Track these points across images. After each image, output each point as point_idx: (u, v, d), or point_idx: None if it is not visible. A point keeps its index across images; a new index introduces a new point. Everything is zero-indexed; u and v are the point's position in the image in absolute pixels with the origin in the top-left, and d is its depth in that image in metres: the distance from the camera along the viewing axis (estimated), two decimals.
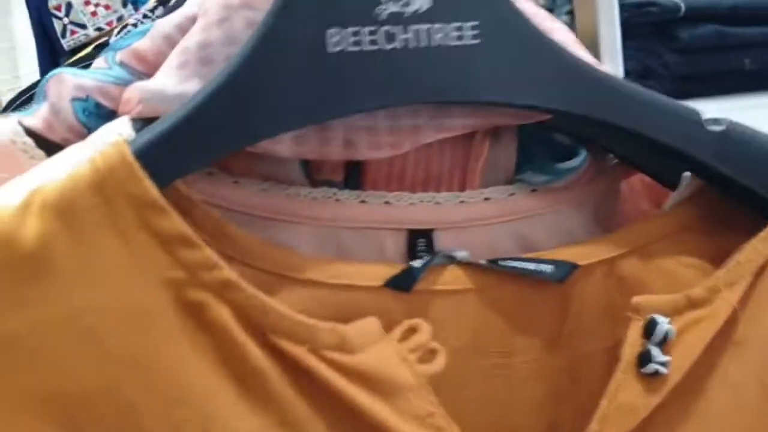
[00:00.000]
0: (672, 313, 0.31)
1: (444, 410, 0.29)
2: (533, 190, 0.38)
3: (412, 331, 0.31)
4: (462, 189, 0.38)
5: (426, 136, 0.34)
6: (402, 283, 0.32)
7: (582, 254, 0.34)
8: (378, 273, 0.32)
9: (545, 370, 0.34)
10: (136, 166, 0.27)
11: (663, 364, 0.30)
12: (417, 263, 0.32)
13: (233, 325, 0.27)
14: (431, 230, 0.36)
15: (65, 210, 0.27)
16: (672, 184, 0.38)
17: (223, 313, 0.27)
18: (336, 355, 0.28)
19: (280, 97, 0.30)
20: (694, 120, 0.35)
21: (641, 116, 0.34)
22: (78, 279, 0.27)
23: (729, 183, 0.35)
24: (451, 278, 0.33)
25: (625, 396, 0.30)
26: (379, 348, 0.29)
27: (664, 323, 0.31)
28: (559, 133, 0.40)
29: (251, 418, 0.28)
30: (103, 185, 0.27)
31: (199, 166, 0.31)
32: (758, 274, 0.32)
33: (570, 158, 0.39)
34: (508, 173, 0.39)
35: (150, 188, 0.27)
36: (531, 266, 0.33)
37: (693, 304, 0.32)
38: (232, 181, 0.34)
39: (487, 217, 0.37)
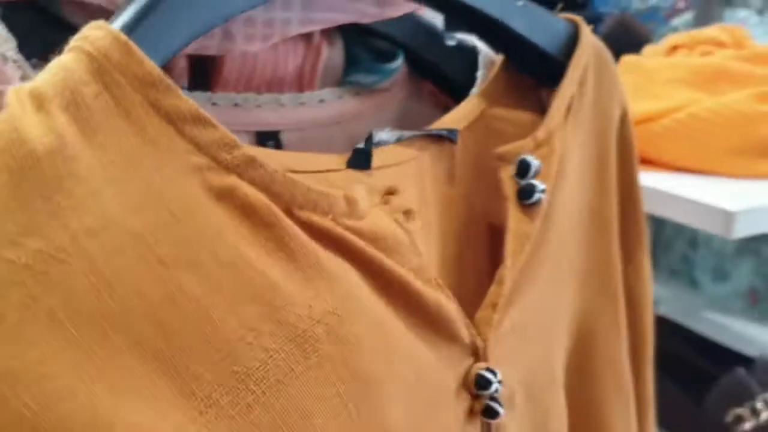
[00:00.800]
0: (531, 151, 0.36)
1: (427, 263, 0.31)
2: (357, 93, 0.41)
3: (390, 194, 0.32)
4: (301, 90, 0.39)
5: (293, 29, 0.35)
6: (361, 162, 0.32)
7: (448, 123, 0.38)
8: (330, 160, 0.32)
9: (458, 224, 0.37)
10: (132, 44, 0.24)
11: (542, 191, 0.35)
12: (360, 146, 0.32)
13: (269, 205, 0.25)
14: (278, 132, 0.38)
15: (69, 101, 0.22)
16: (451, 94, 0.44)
17: (255, 194, 0.25)
18: (351, 222, 0.28)
19: None
20: None
21: None
22: (104, 179, 0.23)
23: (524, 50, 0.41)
24: (391, 155, 0.34)
25: (520, 226, 0.34)
26: (375, 212, 0.30)
27: (533, 159, 0.35)
28: (377, 37, 0.43)
29: (307, 296, 0.26)
30: (101, 70, 0.23)
31: (179, 47, 0.27)
32: (566, 115, 0.38)
33: (390, 60, 0.43)
34: (337, 75, 0.41)
35: (152, 66, 0.24)
36: (436, 132, 0.36)
37: (539, 144, 0.36)
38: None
39: (323, 118, 0.39)
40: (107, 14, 0.27)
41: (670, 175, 0.70)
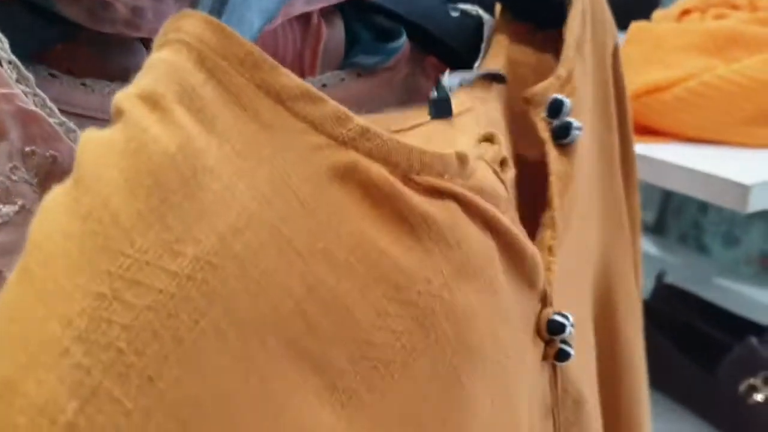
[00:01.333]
0: (559, 90, 0.35)
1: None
2: (359, 75, 0.40)
3: (489, 141, 0.31)
4: (302, 75, 0.38)
5: (296, 9, 0.34)
6: (443, 111, 0.31)
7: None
8: (411, 115, 0.31)
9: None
10: (227, 27, 0.22)
11: (579, 128, 0.35)
12: (434, 95, 0.32)
13: (387, 177, 0.25)
14: None
15: (181, 94, 0.21)
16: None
17: (376, 168, 0.24)
18: (464, 180, 0.27)
19: None
20: None
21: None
22: (234, 171, 0.21)
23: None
24: (458, 102, 0.33)
25: (559, 167, 0.34)
26: (480, 167, 0.29)
27: (564, 98, 0.34)
28: (378, 13, 0.41)
29: (427, 270, 0.25)
30: (202, 57, 0.21)
31: (259, 27, 0.26)
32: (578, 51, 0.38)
33: (392, 39, 0.41)
34: (339, 57, 0.39)
35: (252, 46, 0.22)
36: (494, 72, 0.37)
37: (563, 82, 0.36)
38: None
39: None
40: (105, 6, 0.25)
41: (682, 147, 0.68)
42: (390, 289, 0.24)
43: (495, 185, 0.29)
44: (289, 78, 0.23)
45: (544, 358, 0.33)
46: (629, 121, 0.44)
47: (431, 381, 0.26)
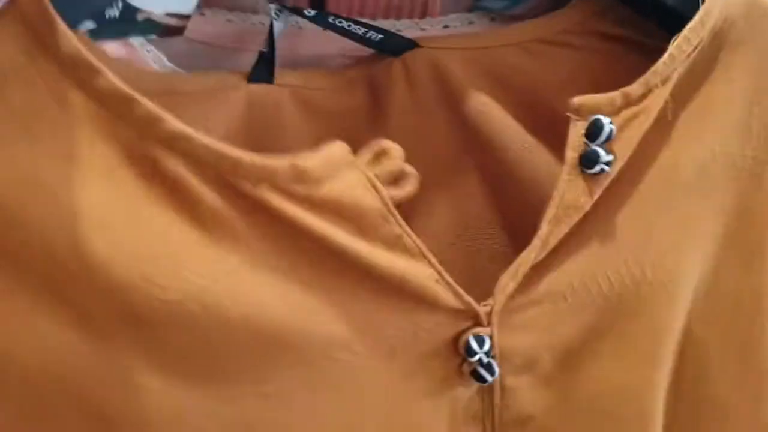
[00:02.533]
0: (612, 112, 0.32)
1: (411, 230, 0.30)
2: (492, 19, 0.38)
3: (383, 153, 0.30)
4: (423, 16, 0.37)
5: None
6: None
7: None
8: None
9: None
10: (58, 20, 0.26)
11: (607, 163, 0.31)
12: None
13: (187, 175, 0.27)
14: None
15: None
16: None
17: (175, 164, 0.27)
18: (298, 188, 0.28)
19: None
20: None
21: None
22: (20, 128, 0.26)
23: None
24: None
25: (571, 196, 0.31)
26: (346, 175, 0.29)
27: (607, 124, 0.31)
28: None
29: (217, 262, 0.27)
30: (27, 40, 0.26)
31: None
32: (691, 68, 0.34)
33: None
34: (467, 0, 0.38)
35: (78, 47, 0.26)
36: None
37: (630, 101, 0.32)
38: (198, 13, 0.33)
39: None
40: None
41: None
42: (168, 268, 0.27)
43: (360, 198, 0.29)
44: (107, 81, 0.26)
45: (461, 373, 0.32)
46: None
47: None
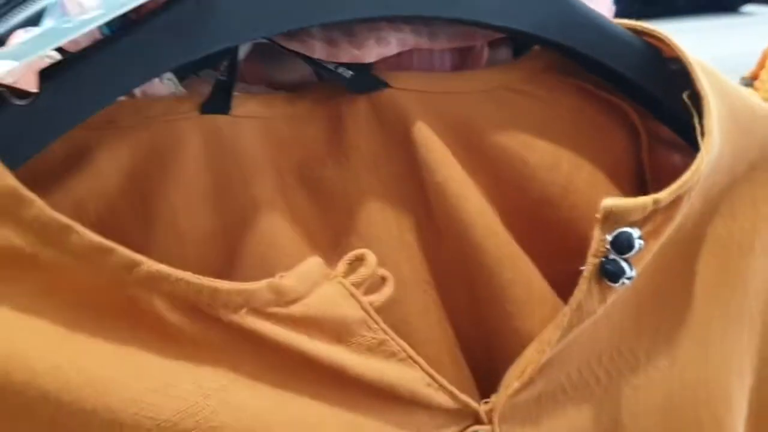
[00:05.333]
0: (641, 221, 0.31)
1: (394, 333, 0.30)
2: None
3: (359, 261, 0.31)
4: None
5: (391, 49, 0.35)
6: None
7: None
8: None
9: None
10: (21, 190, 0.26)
11: (630, 279, 0.31)
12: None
13: (165, 310, 0.27)
14: None
15: None
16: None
17: (153, 301, 0.27)
18: (277, 310, 0.28)
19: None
20: None
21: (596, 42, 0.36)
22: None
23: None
24: None
25: (586, 303, 0.31)
26: (324, 289, 0.30)
27: (635, 237, 0.31)
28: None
29: (206, 380, 0.28)
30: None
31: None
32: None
33: None
34: None
35: (41, 212, 0.26)
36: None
37: (658, 210, 0.32)
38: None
39: None
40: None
41: None
42: (158, 388, 0.27)
43: (342, 308, 0.30)
44: (79, 236, 0.26)
45: None
46: None
47: None
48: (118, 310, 0.27)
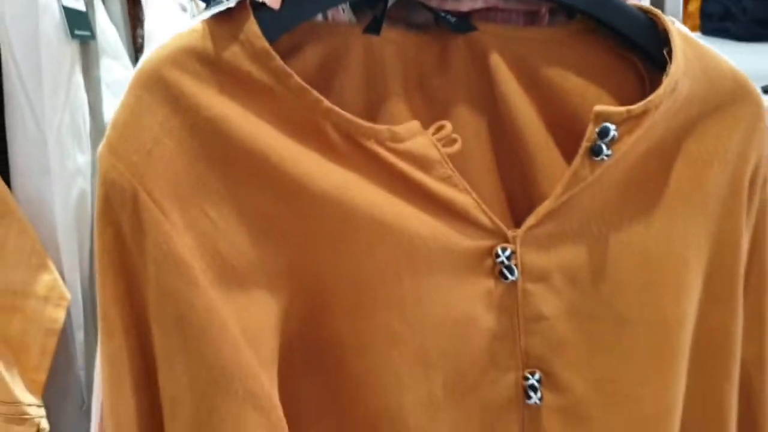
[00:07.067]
0: (619, 122, 0.49)
1: (458, 174, 0.48)
2: None
3: (441, 127, 0.49)
4: None
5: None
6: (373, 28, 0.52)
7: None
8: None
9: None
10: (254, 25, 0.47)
11: (608, 156, 0.49)
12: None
13: (332, 133, 0.47)
14: None
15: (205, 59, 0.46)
16: None
17: (327, 126, 0.47)
18: (391, 144, 0.47)
19: None
20: None
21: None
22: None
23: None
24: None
25: (580, 170, 0.49)
26: (419, 138, 0.48)
27: (612, 130, 0.48)
28: None
29: (348, 179, 0.47)
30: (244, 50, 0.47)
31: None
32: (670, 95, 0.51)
33: None
34: None
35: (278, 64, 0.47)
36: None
37: (632, 116, 0.49)
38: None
39: None
40: None
41: None
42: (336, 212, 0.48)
43: (428, 151, 0.48)
44: (295, 80, 0.46)
45: (492, 272, 0.50)
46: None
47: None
48: (308, 130, 0.46)
